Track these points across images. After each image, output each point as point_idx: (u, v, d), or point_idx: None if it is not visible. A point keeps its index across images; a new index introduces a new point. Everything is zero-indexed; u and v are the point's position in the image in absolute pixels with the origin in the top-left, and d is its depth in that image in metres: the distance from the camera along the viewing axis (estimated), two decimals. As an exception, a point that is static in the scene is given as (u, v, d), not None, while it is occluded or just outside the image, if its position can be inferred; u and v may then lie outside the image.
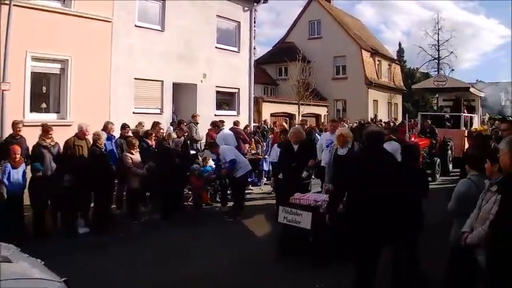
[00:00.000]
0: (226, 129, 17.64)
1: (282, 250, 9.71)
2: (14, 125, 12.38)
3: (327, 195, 9.77)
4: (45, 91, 17.52)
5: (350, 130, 14.15)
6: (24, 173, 11.19)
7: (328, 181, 11.12)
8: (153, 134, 14.63)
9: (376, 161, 6.93)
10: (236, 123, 19.72)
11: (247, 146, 19.09)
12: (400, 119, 43.70)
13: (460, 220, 6.38)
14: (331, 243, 9.13)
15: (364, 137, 7.60)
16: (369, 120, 36.57)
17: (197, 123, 19.71)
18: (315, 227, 9.01)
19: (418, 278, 7.99)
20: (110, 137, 13.77)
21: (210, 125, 18.48)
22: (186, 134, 16.70)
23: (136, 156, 13.10)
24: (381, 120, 36.57)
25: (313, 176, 13.38)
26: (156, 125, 15.60)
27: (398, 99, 54.47)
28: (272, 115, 33.40)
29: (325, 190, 10.77)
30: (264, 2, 28.74)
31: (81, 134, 12.27)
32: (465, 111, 25.71)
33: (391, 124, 28.39)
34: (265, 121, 27.19)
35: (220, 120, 18.74)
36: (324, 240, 9.11)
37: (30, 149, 11.87)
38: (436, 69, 66.47)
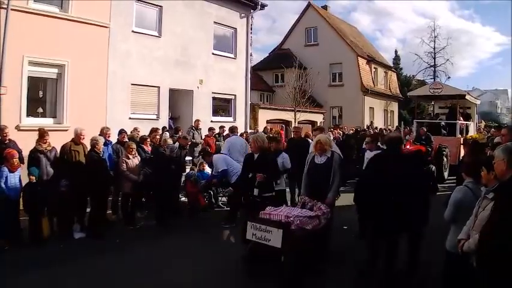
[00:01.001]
0: (235, 136, 17.56)
1: (250, 270, 8.98)
2: (1, 130, 12.37)
3: (301, 210, 9.37)
4: (42, 96, 17.51)
5: (347, 136, 14.07)
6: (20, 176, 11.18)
7: (304, 193, 10.21)
8: (148, 139, 14.68)
9: (394, 161, 8.72)
10: (233, 129, 19.76)
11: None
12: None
13: (457, 227, 6.40)
14: (304, 263, 8.67)
15: (385, 141, 10.37)
16: (365, 127, 36.57)
17: (199, 128, 19.88)
18: (286, 245, 8.18)
19: (417, 273, 9.06)
20: (106, 143, 13.72)
21: (228, 130, 18.57)
22: (190, 143, 16.81)
23: (133, 160, 13.09)
24: (376, 128, 36.59)
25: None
26: (154, 131, 15.62)
27: (394, 106, 54.53)
28: (268, 122, 33.32)
29: (301, 203, 9.82)
30: (261, 9, 28.81)
31: (76, 139, 12.27)
32: (461, 118, 25.71)
33: (384, 131, 28.35)
34: (265, 128, 27.06)
35: (236, 126, 18.72)
36: (296, 260, 8.44)
37: (27, 153, 11.84)
38: (432, 77, 66.56)
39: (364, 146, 13.69)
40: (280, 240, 8.20)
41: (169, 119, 22.97)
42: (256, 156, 10.81)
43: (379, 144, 13.25)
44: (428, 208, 9.16)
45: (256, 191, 10.34)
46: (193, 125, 20.69)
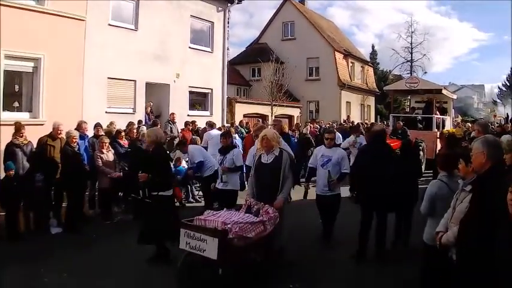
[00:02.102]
0: (214, 131, 17.65)
1: (185, 284, 7.92)
2: None
3: (243, 214, 8.33)
4: (18, 90, 17.31)
5: (324, 130, 13.93)
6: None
7: (251, 194, 9.17)
8: (122, 133, 14.67)
9: (378, 151, 10.00)
10: (211, 124, 19.76)
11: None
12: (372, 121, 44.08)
13: (433, 220, 6.44)
14: (248, 275, 8.01)
15: (370, 134, 12.22)
16: (342, 121, 36.64)
17: (174, 122, 19.89)
18: (222, 256, 7.19)
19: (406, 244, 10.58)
20: (83, 137, 13.65)
21: (206, 124, 18.59)
22: (169, 138, 16.71)
23: (107, 155, 13.04)
24: (352, 122, 36.69)
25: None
26: (130, 125, 15.58)
27: (371, 101, 54.78)
28: (245, 116, 33.37)
29: (246, 206, 8.78)
30: (238, 3, 28.78)
31: (54, 133, 12.20)
32: (437, 113, 25.83)
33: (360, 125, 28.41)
34: (240, 122, 27.02)
35: (213, 122, 18.80)
36: (236, 273, 7.69)
37: (3, 147, 11.76)
38: (409, 72, 66.96)
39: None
40: (216, 251, 7.21)
41: (146, 114, 22.84)
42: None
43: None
44: (416, 190, 10.61)
45: (142, 192, 9.80)
46: (169, 118, 20.68)
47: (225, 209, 8.78)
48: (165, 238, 9.29)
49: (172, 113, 20.96)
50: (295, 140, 20.73)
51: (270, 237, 8.23)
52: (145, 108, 22.62)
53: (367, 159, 10.00)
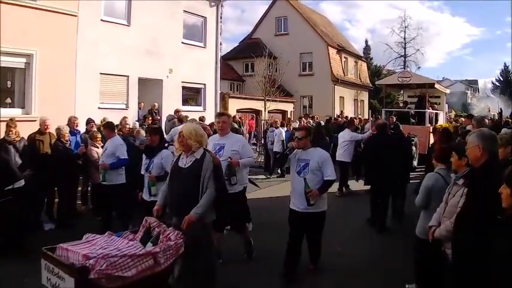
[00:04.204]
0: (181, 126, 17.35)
1: None
2: None
3: (129, 243, 6.20)
4: (10, 86, 17.26)
5: (318, 126, 13.93)
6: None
7: (167, 206, 7.00)
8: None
9: (381, 140, 12.48)
10: (202, 118, 19.68)
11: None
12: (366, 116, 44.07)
13: (427, 213, 6.44)
14: None
15: (375, 126, 14.70)
16: (335, 116, 36.59)
17: (181, 118, 19.84)
18: None
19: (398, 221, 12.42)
20: (74, 132, 13.54)
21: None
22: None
23: (100, 150, 12.96)
24: (346, 117, 36.67)
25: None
26: (122, 120, 15.53)
27: (364, 96, 54.82)
28: (238, 111, 33.37)
29: (145, 228, 6.58)
30: (230, -2, 28.78)
31: (41, 128, 12.17)
32: (430, 107, 25.79)
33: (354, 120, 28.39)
34: (234, 117, 26.95)
35: (185, 116, 18.62)
36: None
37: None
38: (403, 67, 66.94)
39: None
40: None
41: (139, 108, 22.76)
42: None
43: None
44: (408, 173, 13.11)
45: None
46: (174, 115, 20.58)
47: (107, 232, 6.57)
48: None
49: (178, 110, 20.84)
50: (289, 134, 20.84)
51: (166, 274, 6.22)
52: (138, 103, 22.58)
53: (376, 146, 12.56)
